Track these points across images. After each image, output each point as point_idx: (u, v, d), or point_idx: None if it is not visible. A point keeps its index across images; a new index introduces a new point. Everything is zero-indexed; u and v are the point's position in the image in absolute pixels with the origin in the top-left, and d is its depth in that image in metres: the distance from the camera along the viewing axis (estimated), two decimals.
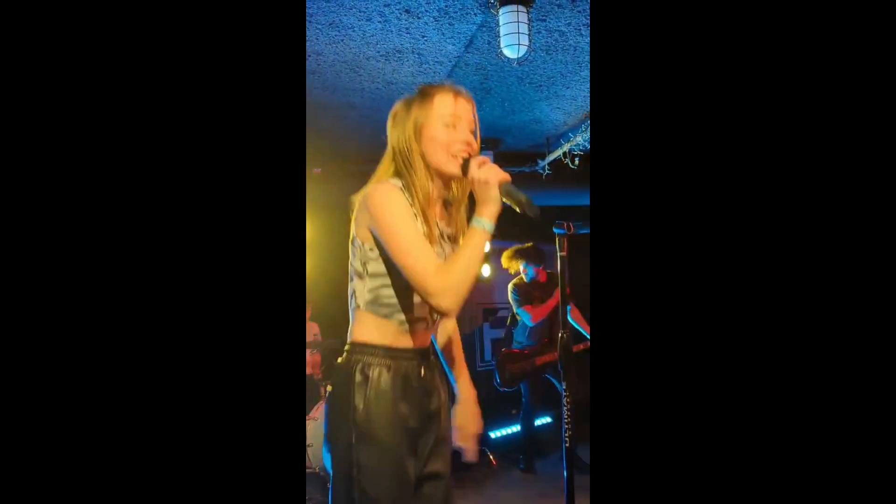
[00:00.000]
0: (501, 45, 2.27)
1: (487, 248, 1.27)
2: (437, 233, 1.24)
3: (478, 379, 4.78)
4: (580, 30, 2.55)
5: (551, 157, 4.21)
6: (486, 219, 1.15)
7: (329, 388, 1.28)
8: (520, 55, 2.25)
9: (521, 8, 2.22)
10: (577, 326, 3.61)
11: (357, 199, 1.25)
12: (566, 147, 3.93)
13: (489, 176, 1.14)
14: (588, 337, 1.85)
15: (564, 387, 1.81)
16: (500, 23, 2.26)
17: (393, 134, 1.26)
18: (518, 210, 1.19)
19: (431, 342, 1.33)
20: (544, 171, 4.39)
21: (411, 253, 1.13)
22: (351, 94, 3.19)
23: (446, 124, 1.22)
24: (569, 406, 1.80)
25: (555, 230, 1.88)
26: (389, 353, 1.20)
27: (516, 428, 4.59)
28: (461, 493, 3.65)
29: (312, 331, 4.05)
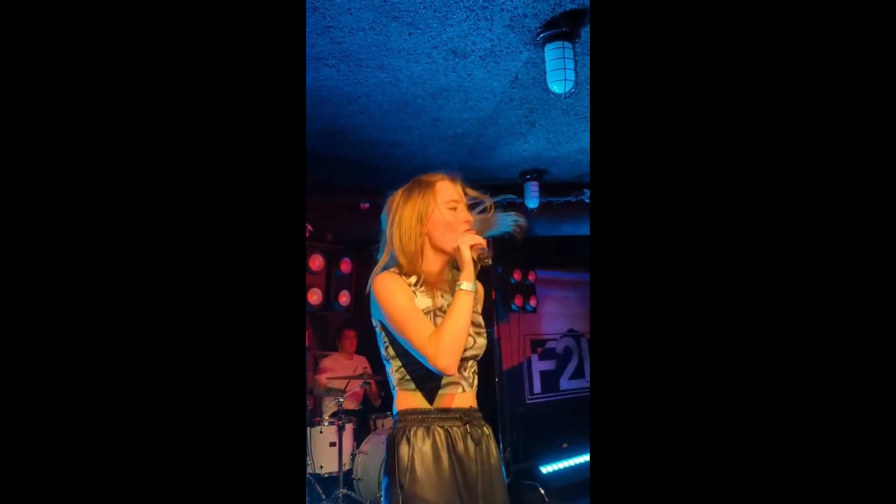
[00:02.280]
0: (548, 81, 2.30)
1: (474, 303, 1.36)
2: (442, 304, 1.34)
3: (527, 413, 4.71)
4: None
5: None
6: (464, 281, 1.28)
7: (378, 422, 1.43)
8: (566, 90, 2.27)
9: (567, 44, 2.25)
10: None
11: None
12: None
13: (461, 242, 1.31)
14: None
15: None
16: (546, 59, 2.29)
17: (396, 224, 1.36)
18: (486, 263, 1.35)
19: (474, 405, 1.39)
20: (590, 199, 4.36)
21: (409, 327, 1.26)
22: (398, 132, 3.27)
23: (450, 209, 1.36)
24: None
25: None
26: (428, 415, 1.30)
27: (568, 463, 4.47)
28: None
29: (362, 364, 4.09)
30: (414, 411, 1.31)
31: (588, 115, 3.17)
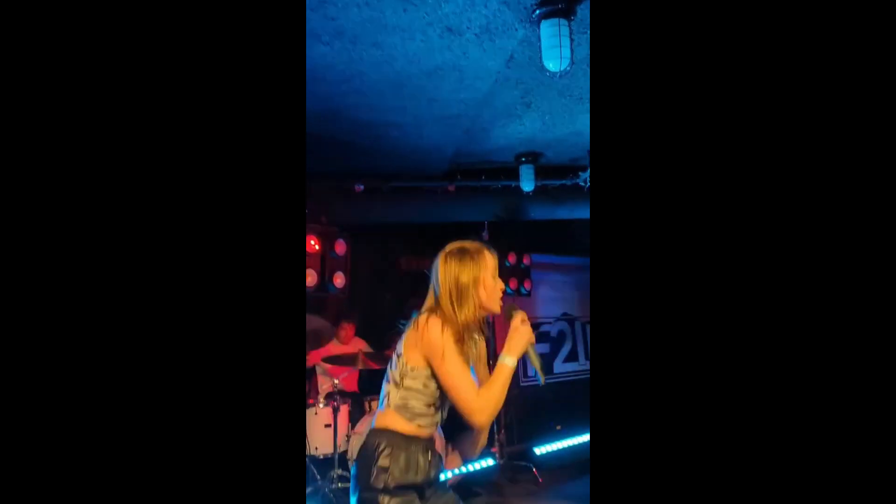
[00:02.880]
0: (543, 59, 2.28)
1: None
2: (474, 352, 1.64)
3: (522, 395, 4.74)
4: None
5: None
6: (511, 358, 1.56)
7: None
8: (561, 68, 2.25)
9: (563, 21, 2.23)
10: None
11: (413, 324, 1.59)
12: None
13: (526, 333, 1.59)
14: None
15: None
16: (542, 37, 2.27)
17: (451, 284, 1.61)
18: (531, 371, 1.72)
19: (435, 434, 1.69)
20: (585, 183, 4.35)
21: (458, 379, 1.51)
22: (393, 112, 3.25)
23: (493, 276, 1.65)
24: None
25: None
26: (405, 440, 1.56)
27: (561, 444, 4.51)
28: None
29: (359, 346, 4.10)
30: (395, 433, 1.56)
31: (584, 96, 3.15)
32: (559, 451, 4.48)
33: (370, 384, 4.33)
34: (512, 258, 4.83)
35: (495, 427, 4.40)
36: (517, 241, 4.88)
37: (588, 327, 5.67)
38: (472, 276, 1.62)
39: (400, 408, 1.56)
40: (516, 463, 4.37)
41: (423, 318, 1.57)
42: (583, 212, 4.68)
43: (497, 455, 4.34)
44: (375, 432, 1.58)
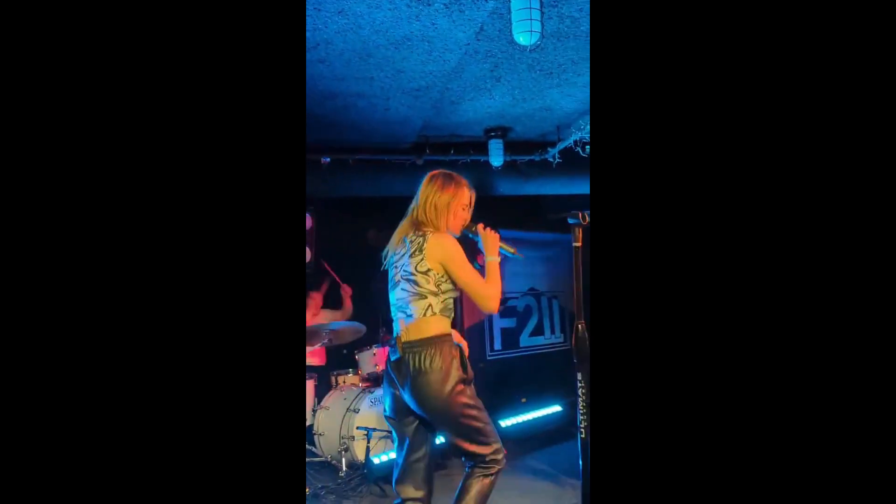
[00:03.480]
0: (513, 32, 2.23)
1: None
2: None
3: (487, 369, 4.79)
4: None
5: (562, 146, 4.17)
6: (492, 256, 2.06)
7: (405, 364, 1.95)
8: (532, 42, 2.21)
9: None
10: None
11: (417, 240, 1.98)
12: (577, 135, 3.89)
13: (492, 234, 2.08)
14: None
15: (580, 377, 1.80)
16: (512, 9, 2.22)
17: (430, 196, 2.03)
18: (507, 254, 2.12)
19: None
20: (554, 159, 4.35)
21: (471, 277, 1.96)
22: (360, 82, 3.17)
23: (463, 208, 2.08)
24: (584, 397, 1.80)
25: (569, 220, 1.86)
26: (451, 339, 1.97)
27: (526, 416, 4.59)
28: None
29: (326, 318, 4.08)
30: (444, 336, 1.94)
31: (554, 71, 3.12)
32: (524, 423, 4.56)
33: (337, 359, 4.31)
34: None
35: None
36: (485, 216, 4.88)
37: (555, 302, 5.74)
38: (448, 198, 2.02)
39: (444, 310, 1.96)
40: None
41: (433, 236, 1.96)
42: (551, 188, 4.68)
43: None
44: (438, 338, 1.93)
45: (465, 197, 2.07)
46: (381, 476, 3.50)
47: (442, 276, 1.95)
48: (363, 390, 3.75)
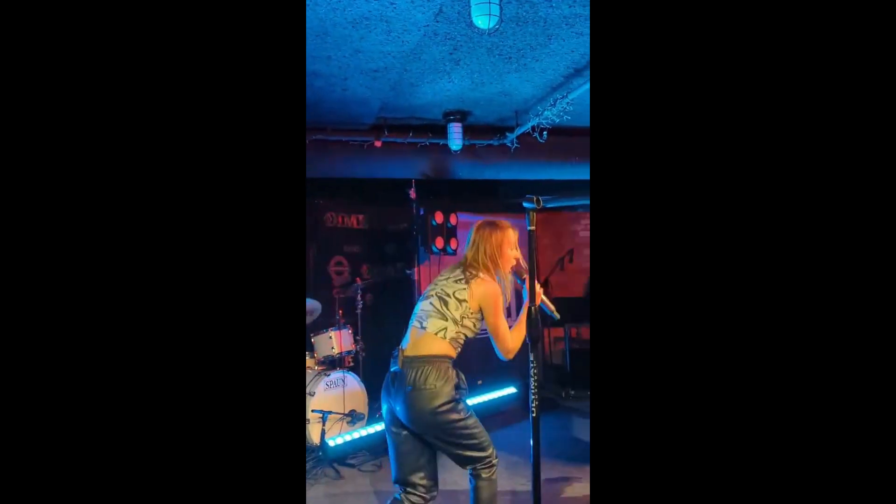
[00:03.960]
0: (472, 15, 2.23)
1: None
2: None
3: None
4: (550, 1, 2.52)
5: (520, 131, 4.20)
6: (532, 305, 2.01)
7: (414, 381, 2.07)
8: (490, 25, 2.22)
9: None
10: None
11: (467, 274, 2.15)
12: (535, 121, 3.92)
13: (541, 295, 2.15)
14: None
15: (532, 358, 1.84)
16: None
17: (487, 246, 2.19)
18: (548, 312, 2.23)
19: None
20: (512, 144, 4.38)
21: (503, 328, 2.12)
22: (317, 61, 3.11)
23: (512, 248, 2.21)
24: (536, 378, 1.84)
25: (524, 204, 1.88)
26: (451, 361, 2.10)
27: (482, 398, 4.67)
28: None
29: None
30: (446, 358, 2.08)
31: (513, 56, 3.14)
32: (481, 404, 4.63)
33: None
34: (439, 217, 4.84)
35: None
36: (444, 200, 4.88)
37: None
38: (499, 243, 2.18)
39: (453, 340, 2.10)
40: None
41: (484, 278, 2.12)
42: (510, 172, 4.72)
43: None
44: (437, 357, 2.07)
45: (512, 238, 2.24)
46: (337, 458, 3.50)
47: (472, 313, 2.10)
48: (318, 373, 3.73)
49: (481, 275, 2.13)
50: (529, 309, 1.89)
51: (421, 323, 2.11)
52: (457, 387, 2.05)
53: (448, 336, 2.08)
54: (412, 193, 4.60)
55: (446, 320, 2.09)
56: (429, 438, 2.07)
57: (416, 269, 4.67)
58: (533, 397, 1.83)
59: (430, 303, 2.12)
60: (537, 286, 2.03)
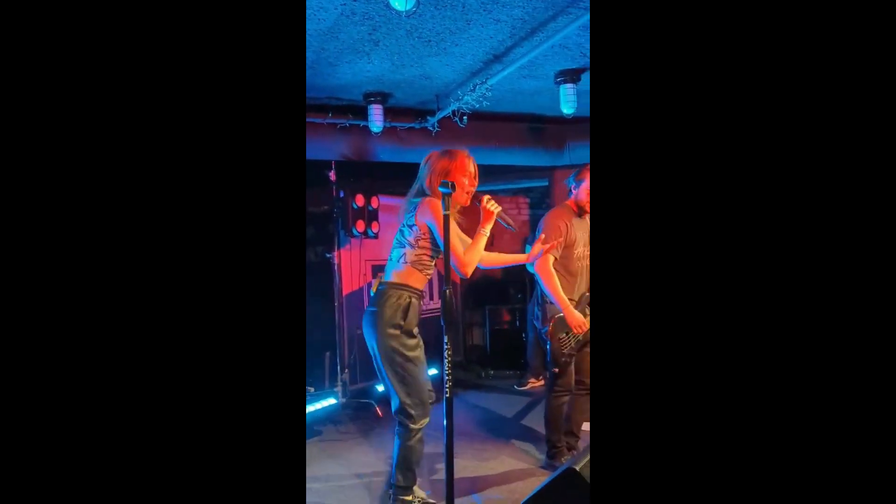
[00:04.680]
0: None
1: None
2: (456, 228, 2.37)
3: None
4: None
5: (441, 115, 4.22)
6: (485, 228, 2.27)
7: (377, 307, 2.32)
8: (407, 7, 2.20)
9: None
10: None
11: (416, 201, 2.33)
12: (455, 105, 3.95)
13: (494, 207, 2.23)
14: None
15: (446, 341, 1.88)
16: None
17: (433, 173, 2.33)
18: (505, 225, 2.30)
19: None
20: (434, 128, 4.39)
21: (453, 242, 2.11)
22: None
23: (465, 176, 2.34)
24: (450, 359, 1.88)
25: (440, 188, 1.90)
26: (415, 291, 2.34)
27: None
28: (348, 444, 3.72)
29: None
30: (410, 287, 2.31)
31: (432, 39, 3.13)
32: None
33: None
34: (360, 200, 4.78)
35: (339, 367, 4.44)
36: (365, 182, 4.83)
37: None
38: (445, 168, 2.29)
39: (415, 263, 2.30)
40: (358, 400, 4.49)
41: (426, 199, 2.26)
42: None
43: (339, 394, 4.42)
44: (397, 286, 2.29)
45: (464, 166, 2.31)
46: None
47: (422, 234, 2.27)
48: None
49: (426, 198, 2.27)
50: (443, 293, 1.92)
51: (390, 256, 2.36)
52: (416, 325, 2.28)
53: (408, 260, 2.30)
54: (332, 175, 4.52)
55: (403, 247, 2.31)
56: (378, 361, 2.31)
57: (336, 253, 4.61)
58: (447, 378, 1.87)
59: (395, 238, 2.35)
60: (490, 204, 2.23)
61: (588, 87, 3.94)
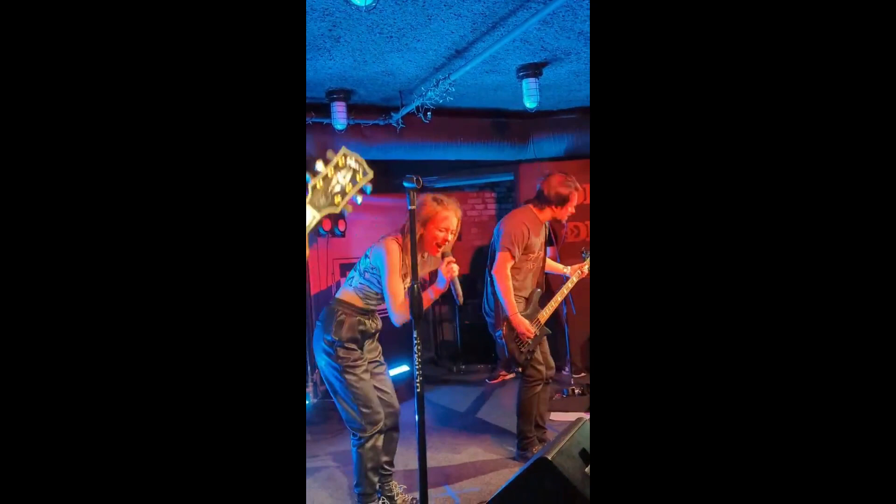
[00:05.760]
0: None
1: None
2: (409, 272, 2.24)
3: None
4: None
5: (405, 111, 4.21)
6: (436, 294, 2.29)
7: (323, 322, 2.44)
8: (366, 3, 2.19)
9: None
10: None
11: (383, 237, 2.37)
12: (419, 101, 3.94)
13: (447, 272, 2.20)
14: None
15: (415, 335, 1.88)
16: None
17: (414, 215, 2.13)
18: (454, 293, 2.26)
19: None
20: (398, 124, 4.38)
21: (392, 288, 2.28)
22: None
23: (439, 229, 2.38)
24: (419, 354, 1.89)
25: (404, 184, 1.91)
26: (357, 310, 2.43)
27: None
28: (320, 444, 3.69)
29: None
30: (351, 305, 2.42)
31: (394, 35, 3.12)
32: None
33: None
34: None
35: (309, 369, 4.41)
36: None
37: None
38: (428, 216, 2.33)
39: (358, 289, 2.41)
40: (327, 400, 4.46)
41: (386, 240, 2.30)
42: (396, 153, 4.72)
43: (311, 394, 4.38)
44: (339, 301, 2.43)
45: (440, 218, 2.35)
46: None
47: (371, 269, 2.35)
48: None
49: (391, 237, 2.32)
50: (411, 289, 1.92)
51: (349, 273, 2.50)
52: (352, 339, 2.36)
53: (353, 285, 2.42)
54: None
55: (355, 272, 2.44)
56: (321, 373, 2.42)
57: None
58: (417, 374, 1.87)
59: (360, 259, 2.45)
60: (449, 268, 2.19)
61: (549, 82, 3.98)
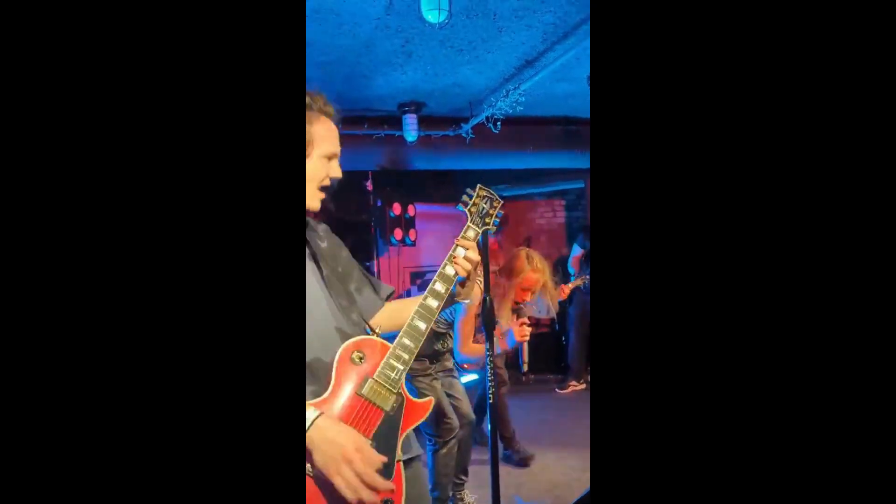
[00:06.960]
0: (421, 10, 2.25)
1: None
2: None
3: None
4: None
5: (474, 122, 4.25)
6: (499, 345, 2.40)
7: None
8: (440, 20, 2.24)
9: None
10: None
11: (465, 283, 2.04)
12: (489, 111, 3.97)
13: (522, 337, 2.38)
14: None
15: (489, 347, 1.90)
16: None
17: (509, 265, 2.57)
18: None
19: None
20: (468, 134, 4.43)
21: (463, 331, 2.41)
22: None
23: (524, 289, 2.51)
24: (492, 365, 1.90)
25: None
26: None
27: None
28: None
29: None
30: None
31: (464, 48, 3.17)
32: None
33: None
34: (397, 209, 4.85)
35: None
36: (401, 191, 4.90)
37: None
38: (510, 272, 2.41)
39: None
40: None
41: (472, 283, 2.06)
42: (465, 163, 4.77)
43: None
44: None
45: (531, 283, 2.42)
46: None
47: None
48: None
49: (478, 281, 2.15)
50: (484, 300, 1.89)
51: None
52: (423, 355, 2.44)
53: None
54: (369, 185, 4.61)
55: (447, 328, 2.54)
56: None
57: (375, 262, 4.69)
58: (490, 384, 1.89)
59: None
60: (521, 329, 2.27)
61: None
